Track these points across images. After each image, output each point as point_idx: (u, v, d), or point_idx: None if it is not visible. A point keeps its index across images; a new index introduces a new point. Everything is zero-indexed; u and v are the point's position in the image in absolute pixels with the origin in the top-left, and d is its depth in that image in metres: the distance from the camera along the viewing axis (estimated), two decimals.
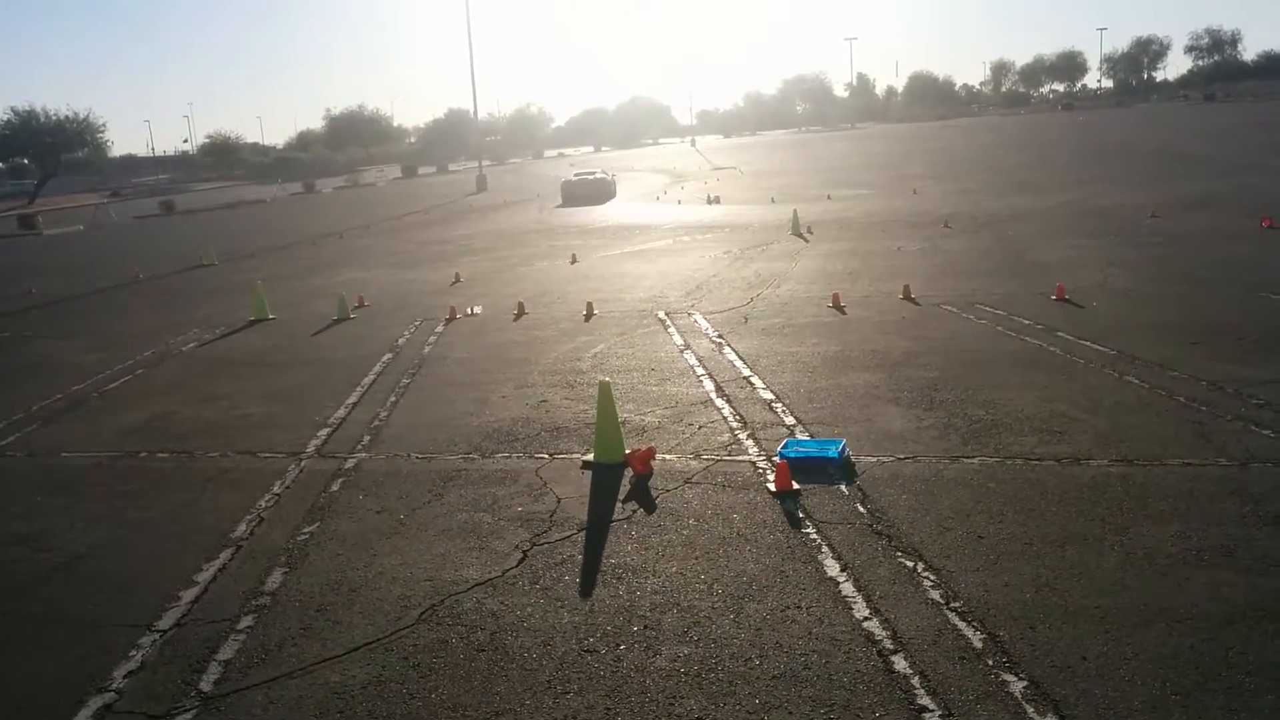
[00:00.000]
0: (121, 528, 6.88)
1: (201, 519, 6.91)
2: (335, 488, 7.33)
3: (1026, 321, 11.32)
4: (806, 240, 20.71)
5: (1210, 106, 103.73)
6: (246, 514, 6.90)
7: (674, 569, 5.62)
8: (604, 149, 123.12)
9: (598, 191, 39.85)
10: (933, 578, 5.28)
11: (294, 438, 8.68)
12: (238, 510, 6.98)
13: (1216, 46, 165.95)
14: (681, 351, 11.01)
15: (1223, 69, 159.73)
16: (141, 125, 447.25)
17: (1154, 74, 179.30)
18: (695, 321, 12.72)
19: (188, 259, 26.00)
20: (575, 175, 42.32)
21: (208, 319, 15.77)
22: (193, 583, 5.83)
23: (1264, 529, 5.60)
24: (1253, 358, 9.17)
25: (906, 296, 13.28)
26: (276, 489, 7.39)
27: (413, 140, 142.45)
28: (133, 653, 5.06)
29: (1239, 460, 6.64)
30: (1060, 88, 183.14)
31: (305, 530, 6.54)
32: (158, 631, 5.26)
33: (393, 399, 9.79)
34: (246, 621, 5.31)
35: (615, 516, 6.48)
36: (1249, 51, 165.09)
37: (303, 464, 7.96)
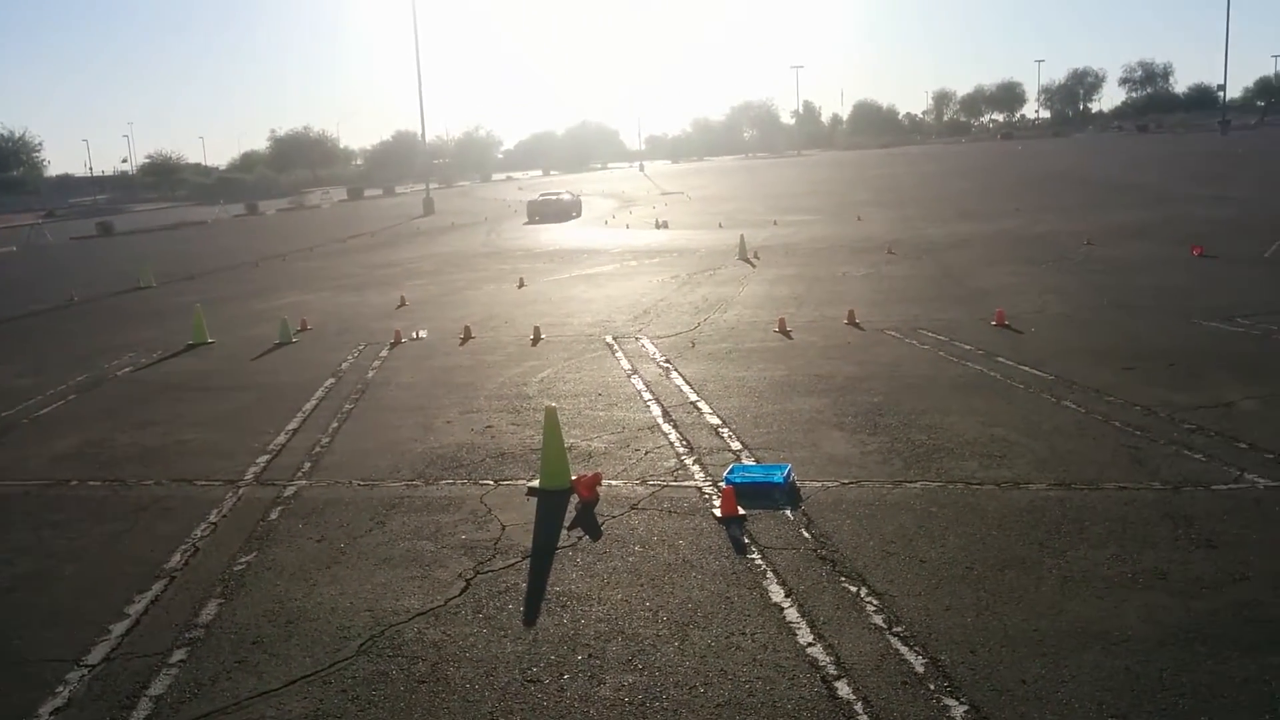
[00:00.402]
0: (50, 559, 6.66)
1: (134, 549, 6.72)
2: (274, 516, 7.18)
3: (968, 347, 11.51)
4: (753, 265, 20.89)
5: (1143, 137, 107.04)
6: (181, 544, 6.72)
7: (619, 596, 5.59)
8: (553, 173, 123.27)
9: (562, 210, 42.45)
10: (876, 602, 5.31)
11: (232, 465, 8.50)
12: (172, 540, 6.80)
13: (1149, 79, 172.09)
14: (629, 376, 11.01)
15: (1155, 101, 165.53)
16: (79, 144, 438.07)
17: (1090, 105, 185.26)
18: (643, 346, 12.73)
19: (125, 281, 25.45)
20: (540, 196, 44.82)
21: (145, 343, 15.42)
22: (124, 615, 5.66)
23: (1196, 552, 5.72)
24: (1185, 383, 9.41)
25: (851, 322, 13.43)
26: (213, 518, 7.22)
27: (359, 162, 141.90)
28: (59, 689, 4.88)
29: (1172, 484, 6.80)
30: (1000, 117, 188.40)
31: (242, 560, 6.39)
32: (86, 667, 5.09)
33: (335, 425, 9.64)
34: (179, 655, 5.16)
35: (560, 543, 6.43)
36: (1180, 84, 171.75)
37: (240, 492, 7.79)
